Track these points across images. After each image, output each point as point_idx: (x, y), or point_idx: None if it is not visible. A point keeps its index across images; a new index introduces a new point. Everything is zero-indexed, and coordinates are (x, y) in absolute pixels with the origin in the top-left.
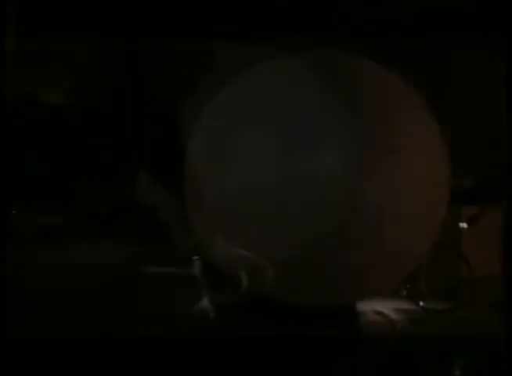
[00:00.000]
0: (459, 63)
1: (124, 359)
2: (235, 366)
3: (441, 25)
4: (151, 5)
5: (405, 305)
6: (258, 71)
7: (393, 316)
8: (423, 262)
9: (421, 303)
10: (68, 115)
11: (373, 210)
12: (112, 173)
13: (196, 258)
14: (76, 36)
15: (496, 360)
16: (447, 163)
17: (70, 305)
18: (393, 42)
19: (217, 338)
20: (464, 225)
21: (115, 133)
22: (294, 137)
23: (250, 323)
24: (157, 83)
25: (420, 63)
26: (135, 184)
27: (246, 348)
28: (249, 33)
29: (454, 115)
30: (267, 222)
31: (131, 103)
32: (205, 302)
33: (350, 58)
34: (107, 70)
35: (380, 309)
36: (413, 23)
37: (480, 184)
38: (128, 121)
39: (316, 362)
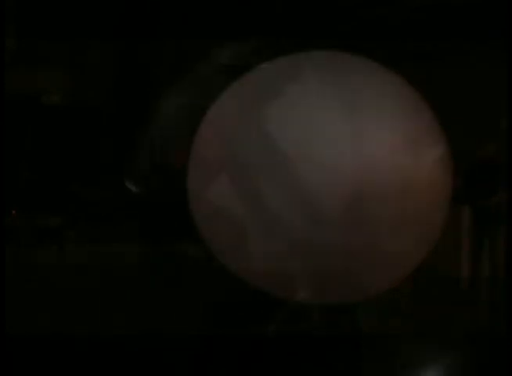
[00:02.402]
0: (459, 63)
1: (124, 359)
2: (235, 367)
3: (441, 25)
4: (150, 5)
5: None
6: (259, 72)
7: None
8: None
9: None
10: (68, 115)
11: (373, 210)
12: (111, 173)
13: None
14: (76, 36)
15: (496, 360)
16: (448, 163)
17: (69, 305)
18: (393, 42)
19: (217, 338)
20: None
21: (114, 133)
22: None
23: (250, 322)
24: (157, 82)
25: (420, 63)
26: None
27: (247, 348)
28: (249, 33)
29: (454, 115)
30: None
31: (130, 102)
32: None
33: (350, 58)
34: (107, 70)
35: None
36: (413, 23)
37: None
38: (128, 121)
39: (316, 362)
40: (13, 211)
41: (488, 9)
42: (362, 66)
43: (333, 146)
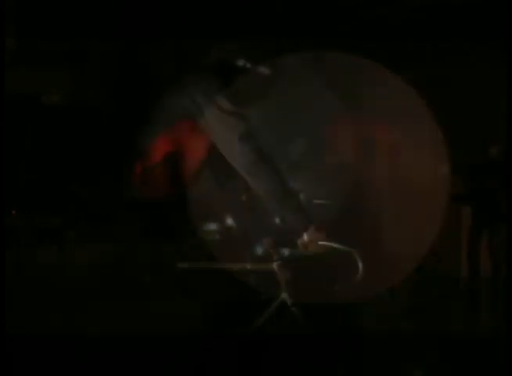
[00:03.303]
0: (459, 63)
1: (124, 359)
2: (235, 367)
3: (441, 25)
4: (150, 5)
5: None
6: (260, 72)
7: None
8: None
9: None
10: (68, 115)
11: (373, 208)
12: (111, 173)
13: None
14: (76, 36)
15: (496, 360)
16: (447, 162)
17: (69, 305)
18: (393, 42)
19: (217, 338)
20: None
21: (114, 133)
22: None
23: (251, 322)
24: (157, 82)
25: (420, 63)
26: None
27: (247, 348)
28: (249, 33)
29: (453, 115)
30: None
31: (130, 102)
32: (284, 297)
33: (350, 58)
34: (107, 70)
35: None
36: (413, 23)
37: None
38: (128, 121)
39: (316, 362)
40: (13, 211)
41: (488, 9)
42: (362, 66)
43: (331, 147)
